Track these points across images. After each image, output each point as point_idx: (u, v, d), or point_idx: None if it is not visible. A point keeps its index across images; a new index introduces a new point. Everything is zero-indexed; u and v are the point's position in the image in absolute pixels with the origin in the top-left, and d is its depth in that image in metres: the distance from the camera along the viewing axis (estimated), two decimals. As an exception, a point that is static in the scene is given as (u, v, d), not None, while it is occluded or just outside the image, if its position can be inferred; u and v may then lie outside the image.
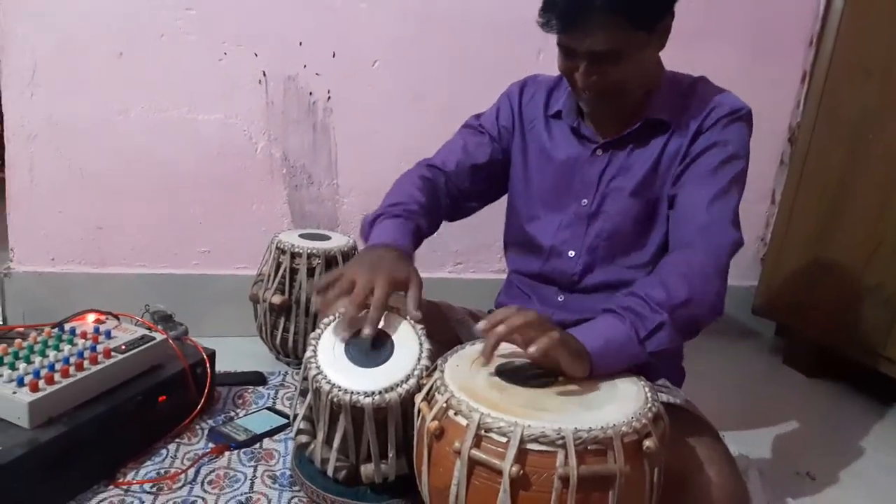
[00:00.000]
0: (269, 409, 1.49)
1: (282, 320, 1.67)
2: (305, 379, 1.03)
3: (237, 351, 1.72)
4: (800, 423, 1.74)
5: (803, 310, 2.02)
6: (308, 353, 1.02)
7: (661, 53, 1.15)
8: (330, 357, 1.02)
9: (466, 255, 2.05)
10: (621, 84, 1.07)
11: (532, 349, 0.86)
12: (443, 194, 1.26)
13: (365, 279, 1.00)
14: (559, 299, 1.23)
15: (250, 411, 1.47)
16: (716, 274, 1.03)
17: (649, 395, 0.90)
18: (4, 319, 1.79)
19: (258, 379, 1.61)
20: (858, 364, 1.86)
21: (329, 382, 0.97)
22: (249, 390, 1.56)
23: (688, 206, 1.10)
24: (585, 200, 1.19)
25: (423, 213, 1.19)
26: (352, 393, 0.96)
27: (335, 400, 0.97)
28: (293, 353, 1.70)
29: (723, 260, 1.05)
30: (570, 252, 1.21)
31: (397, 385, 0.97)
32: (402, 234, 1.12)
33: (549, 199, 1.23)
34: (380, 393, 0.96)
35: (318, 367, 1.00)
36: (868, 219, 1.83)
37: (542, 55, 1.87)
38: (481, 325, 0.91)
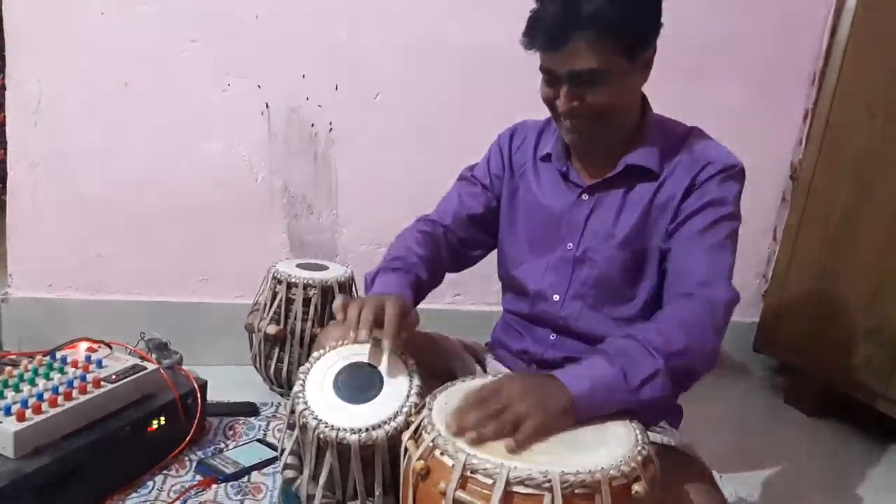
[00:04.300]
0: (259, 440, 1.47)
1: (276, 350, 1.66)
2: (293, 413, 1.02)
3: (231, 380, 1.72)
4: (800, 463, 1.71)
5: (804, 347, 1.99)
6: (296, 388, 1.01)
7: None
8: (318, 392, 1.00)
9: (464, 287, 2.05)
10: (601, 111, 1.06)
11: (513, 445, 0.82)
12: (443, 246, 1.28)
13: (374, 302, 1.01)
14: (551, 338, 1.22)
15: (240, 443, 1.46)
16: (713, 330, 1.02)
17: (640, 437, 0.88)
18: (0, 345, 1.79)
19: (250, 409, 1.60)
20: (860, 403, 1.83)
21: (315, 418, 0.96)
22: (241, 421, 1.55)
23: (684, 263, 1.09)
24: (571, 244, 1.18)
25: (422, 264, 1.20)
26: (338, 429, 0.95)
27: (321, 436, 0.95)
28: (287, 383, 1.68)
29: (720, 318, 1.04)
30: (554, 296, 1.20)
31: (385, 422, 0.95)
32: (401, 286, 1.13)
33: (535, 244, 1.23)
34: (366, 430, 0.94)
35: (305, 402, 0.98)
36: (871, 257, 1.82)
37: (542, 90, 1.88)
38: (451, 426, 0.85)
